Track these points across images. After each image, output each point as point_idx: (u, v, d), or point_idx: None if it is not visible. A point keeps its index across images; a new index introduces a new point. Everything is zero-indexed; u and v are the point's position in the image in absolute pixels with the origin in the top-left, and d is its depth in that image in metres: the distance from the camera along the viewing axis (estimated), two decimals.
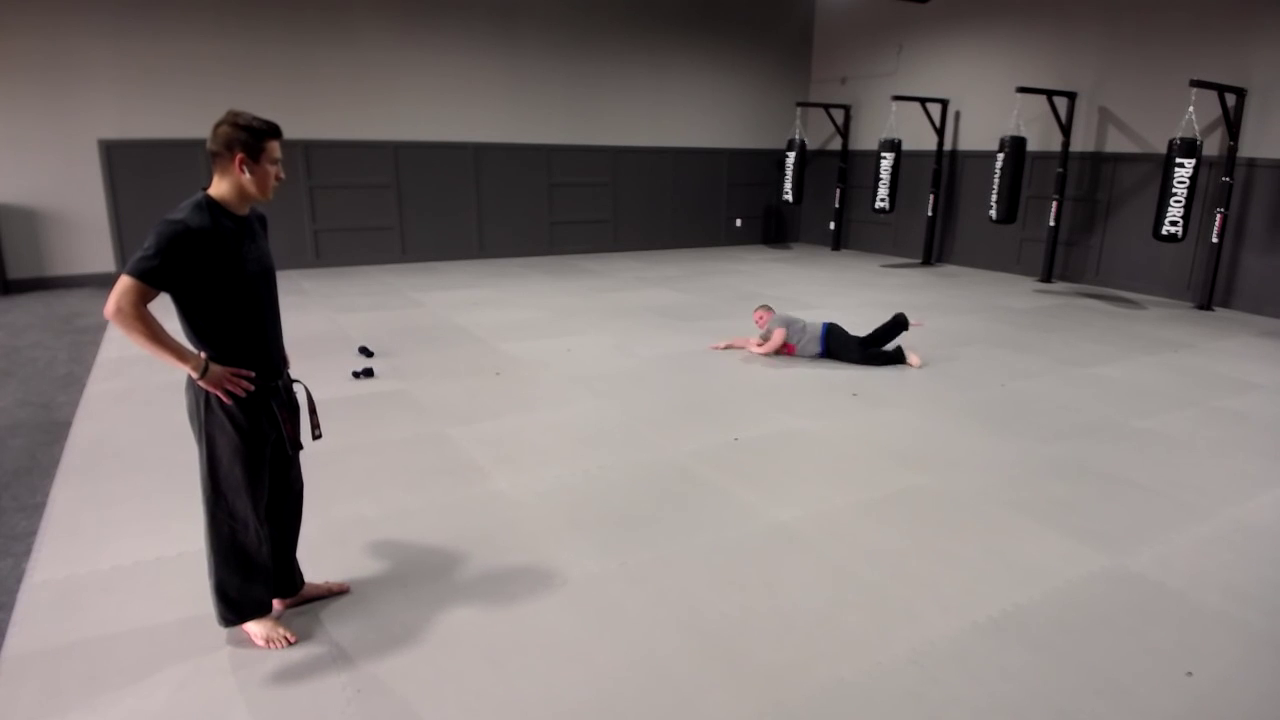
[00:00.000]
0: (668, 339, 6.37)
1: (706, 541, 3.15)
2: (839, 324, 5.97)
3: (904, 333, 5.91)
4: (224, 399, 2.18)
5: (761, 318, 6.02)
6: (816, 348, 5.82)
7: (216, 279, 2.12)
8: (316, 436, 2.56)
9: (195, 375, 2.13)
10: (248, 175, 2.16)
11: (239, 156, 2.13)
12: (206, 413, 2.21)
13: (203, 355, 2.15)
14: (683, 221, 12.32)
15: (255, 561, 2.37)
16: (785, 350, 5.87)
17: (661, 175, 11.92)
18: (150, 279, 2.01)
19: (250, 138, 2.13)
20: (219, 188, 2.17)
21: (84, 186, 8.40)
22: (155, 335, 2.04)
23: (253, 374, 2.21)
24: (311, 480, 3.60)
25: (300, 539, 2.67)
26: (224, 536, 2.32)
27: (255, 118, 2.16)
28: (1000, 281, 9.74)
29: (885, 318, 6.15)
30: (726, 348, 6.12)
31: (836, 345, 5.81)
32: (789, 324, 5.88)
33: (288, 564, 2.58)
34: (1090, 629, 2.58)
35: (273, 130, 2.16)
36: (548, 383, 5.23)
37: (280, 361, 2.38)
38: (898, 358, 5.80)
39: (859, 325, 6.92)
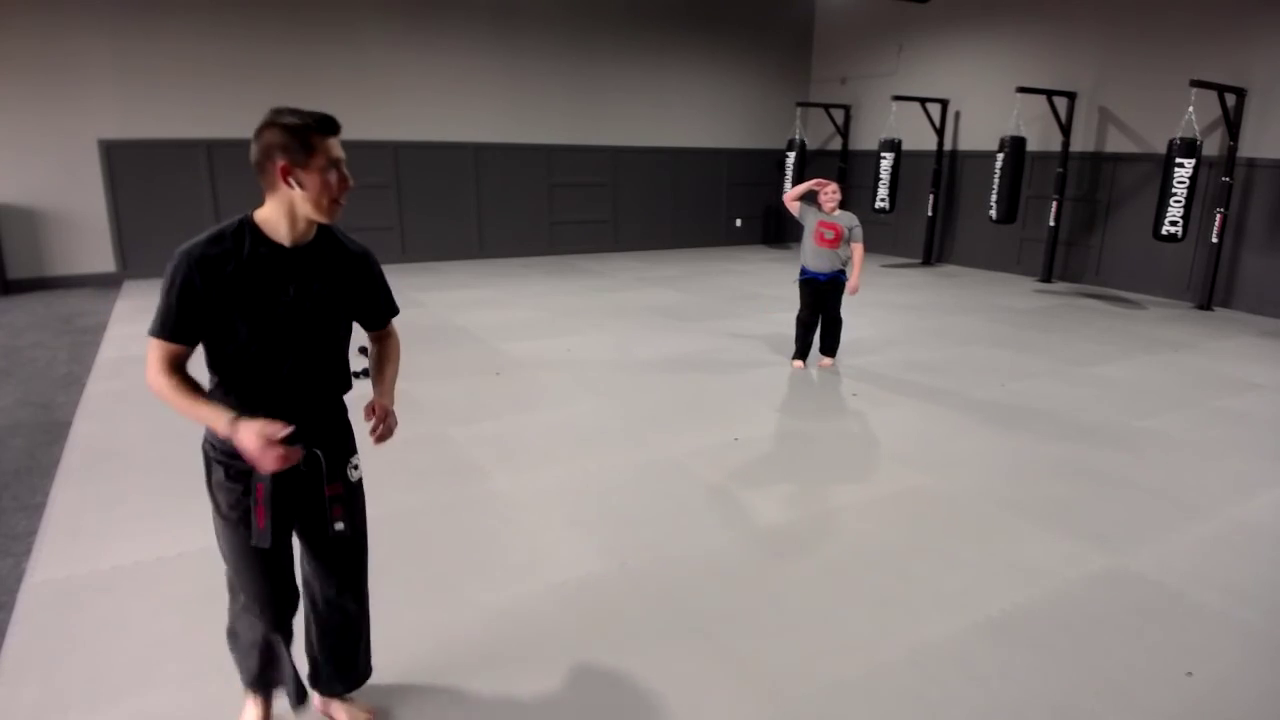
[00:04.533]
0: (668, 339, 6.37)
1: (706, 541, 3.15)
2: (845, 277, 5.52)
3: (829, 352, 5.70)
4: (258, 467, 1.64)
5: (836, 193, 5.36)
6: (833, 264, 5.39)
7: (232, 314, 1.66)
8: (336, 532, 1.89)
9: (221, 432, 1.62)
10: (296, 188, 1.65)
11: (281, 165, 1.63)
12: (205, 458, 1.81)
13: (231, 415, 1.62)
14: (683, 221, 12.31)
15: (242, 642, 2.01)
16: (830, 236, 5.33)
17: (661, 175, 11.91)
18: (165, 332, 1.64)
19: (292, 138, 1.63)
20: (265, 208, 1.70)
21: (84, 186, 8.40)
22: (186, 398, 1.63)
23: (290, 429, 1.63)
24: None
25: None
26: (231, 597, 1.99)
27: (301, 112, 1.67)
28: (1000, 281, 9.74)
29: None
30: (802, 194, 5.47)
31: (831, 288, 5.47)
32: (853, 228, 5.40)
33: (320, 662, 2.10)
34: (1090, 629, 2.58)
35: (323, 124, 1.66)
36: (548, 383, 5.23)
37: (300, 429, 1.72)
38: (821, 346, 5.64)
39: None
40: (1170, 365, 5.94)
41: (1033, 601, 2.74)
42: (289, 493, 1.80)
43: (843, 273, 5.47)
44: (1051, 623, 2.61)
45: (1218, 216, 8.00)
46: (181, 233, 7.54)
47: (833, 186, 5.37)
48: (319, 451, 1.82)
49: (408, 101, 9.80)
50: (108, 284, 8.51)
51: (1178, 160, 7.62)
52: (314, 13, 9.15)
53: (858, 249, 5.42)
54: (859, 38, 11.96)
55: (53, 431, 4.23)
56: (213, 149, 8.89)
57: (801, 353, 5.65)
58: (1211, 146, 8.08)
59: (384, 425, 1.95)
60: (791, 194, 5.45)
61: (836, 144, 12.35)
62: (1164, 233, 7.83)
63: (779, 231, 13.28)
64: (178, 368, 1.67)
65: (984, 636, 2.54)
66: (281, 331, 1.72)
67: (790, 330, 5.82)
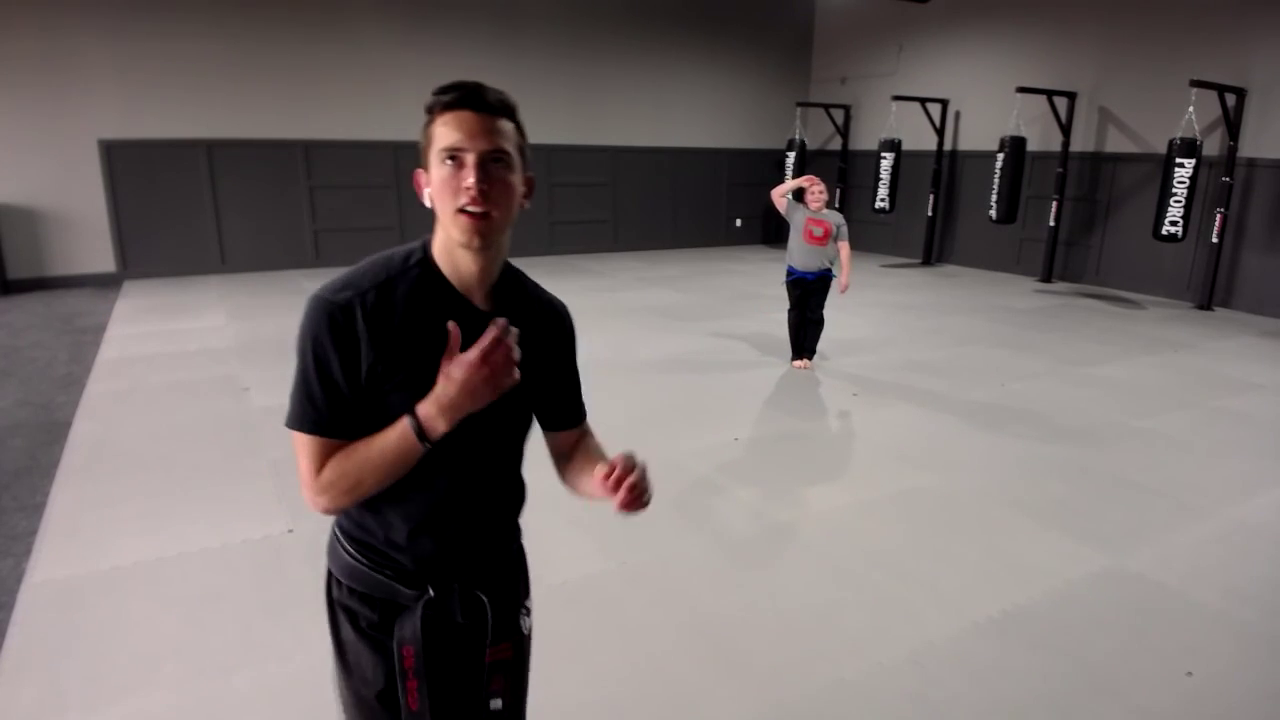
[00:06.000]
0: (668, 339, 6.37)
1: (706, 541, 3.15)
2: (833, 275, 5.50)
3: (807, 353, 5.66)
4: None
5: (823, 192, 5.32)
6: (820, 262, 5.38)
7: (382, 393, 1.13)
8: (492, 712, 1.32)
9: (415, 444, 1.11)
10: (430, 198, 1.16)
11: (419, 169, 1.19)
12: (327, 594, 1.29)
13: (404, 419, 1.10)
14: (683, 221, 12.31)
15: None
16: (819, 234, 5.29)
17: (661, 175, 11.91)
18: (310, 423, 1.12)
19: (426, 123, 1.17)
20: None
21: (84, 186, 8.40)
22: (358, 459, 1.12)
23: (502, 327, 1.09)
24: None
25: (302, 539, 2.65)
26: None
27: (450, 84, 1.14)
28: (1000, 281, 9.74)
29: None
30: (791, 190, 5.45)
31: (819, 286, 5.45)
32: (841, 226, 5.38)
33: None
34: (1090, 629, 2.58)
35: (444, 94, 1.14)
36: None
37: (451, 560, 1.24)
38: (800, 347, 5.61)
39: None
40: (1170, 365, 5.94)
41: (1033, 601, 2.74)
42: (446, 654, 1.25)
43: (829, 271, 5.46)
44: (1051, 623, 2.61)
45: (1218, 216, 8.00)
46: (181, 233, 7.47)
47: (820, 185, 5.37)
48: (484, 597, 1.27)
49: (408, 101, 9.75)
50: (108, 284, 8.50)
51: (1178, 160, 7.62)
52: (314, 13, 9.15)
53: (845, 248, 5.41)
54: (859, 38, 11.96)
55: (53, 431, 4.23)
56: (213, 149, 8.89)
57: (799, 352, 5.65)
58: (1211, 146, 8.08)
59: (631, 476, 1.13)
60: (779, 190, 5.45)
61: (836, 144, 12.35)
62: (1164, 233, 7.83)
63: (779, 231, 13.26)
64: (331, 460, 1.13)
65: (984, 636, 2.54)
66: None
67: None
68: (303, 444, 1.13)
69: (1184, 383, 5.48)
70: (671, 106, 11.74)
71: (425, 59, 9.81)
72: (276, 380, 5.02)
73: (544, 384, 1.30)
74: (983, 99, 10.25)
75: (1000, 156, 9.24)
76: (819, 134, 12.65)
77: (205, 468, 3.75)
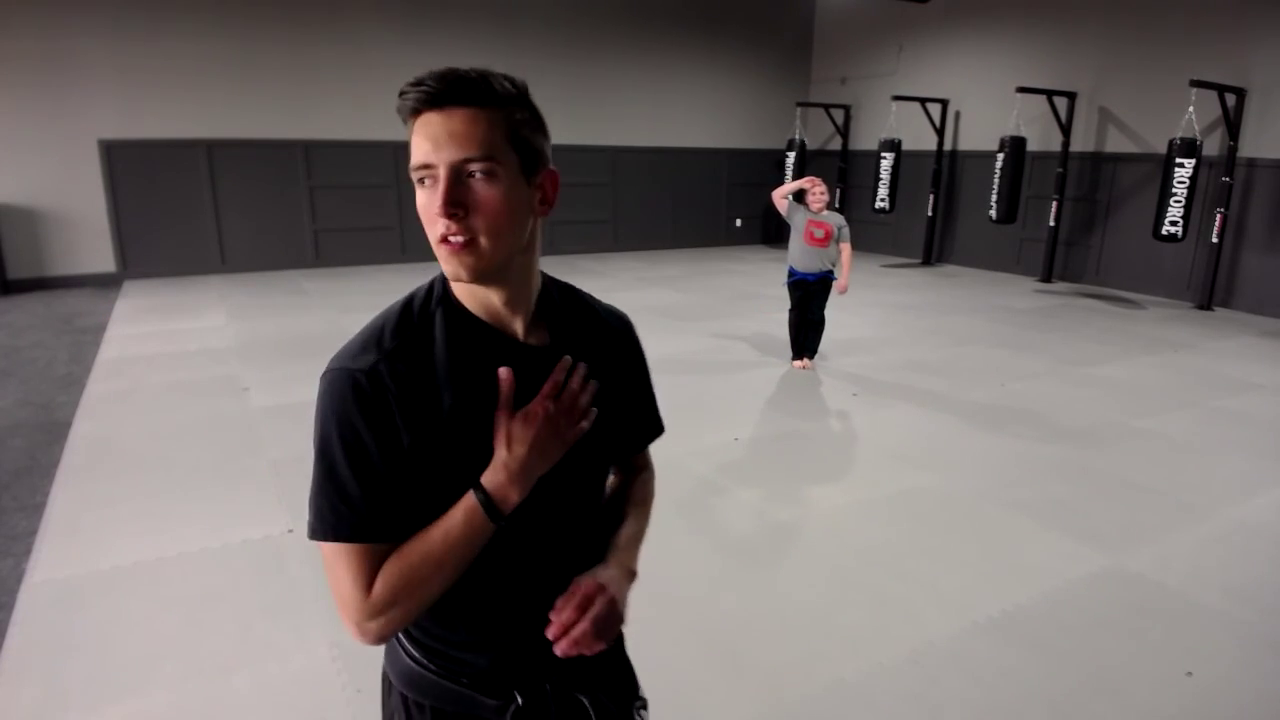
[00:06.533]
0: (668, 339, 6.37)
1: (707, 541, 3.15)
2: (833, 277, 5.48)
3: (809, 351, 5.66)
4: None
5: (824, 193, 5.30)
6: (821, 264, 5.37)
7: (438, 468, 0.91)
8: None
9: (481, 517, 0.90)
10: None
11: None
12: (384, 706, 1.08)
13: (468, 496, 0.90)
14: (683, 221, 12.31)
15: None
16: (820, 235, 5.28)
17: (661, 175, 11.91)
18: (348, 528, 0.88)
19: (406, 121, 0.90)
20: None
21: (84, 186, 8.40)
22: (419, 557, 0.89)
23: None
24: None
25: (302, 539, 2.64)
26: None
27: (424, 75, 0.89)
28: (1000, 281, 9.74)
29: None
30: (792, 192, 5.43)
31: (820, 288, 5.44)
32: (843, 228, 5.37)
33: None
34: (1090, 629, 2.58)
35: (407, 99, 0.89)
36: None
37: (539, 656, 0.98)
38: (801, 347, 5.61)
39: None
40: (1170, 365, 5.94)
41: (1033, 601, 2.74)
42: None
43: (831, 273, 5.46)
44: (1051, 623, 2.61)
45: (1218, 216, 8.00)
46: (181, 233, 7.47)
47: (822, 186, 5.35)
48: (585, 700, 1.06)
49: None
50: (108, 284, 8.50)
51: (1178, 160, 7.62)
52: (314, 13, 9.15)
53: (846, 249, 5.41)
54: (859, 38, 11.96)
55: (53, 431, 4.23)
56: (213, 149, 8.89)
57: (799, 352, 5.65)
58: (1211, 146, 8.08)
59: (586, 612, 0.93)
60: (780, 191, 5.44)
61: (836, 144, 12.35)
62: (1164, 233, 7.83)
63: (779, 231, 13.26)
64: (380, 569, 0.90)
65: (984, 636, 2.54)
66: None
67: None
68: (340, 558, 0.88)
69: (1184, 383, 5.48)
70: (671, 106, 11.74)
71: (425, 59, 9.74)
72: (276, 380, 5.03)
73: (618, 413, 1.07)
74: (983, 99, 10.24)
75: (1000, 156, 9.24)
76: (819, 134, 12.65)
77: (205, 468, 3.75)
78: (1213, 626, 2.62)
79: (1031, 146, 9.39)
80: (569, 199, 11.22)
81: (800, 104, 12.43)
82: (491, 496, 0.89)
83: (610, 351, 1.07)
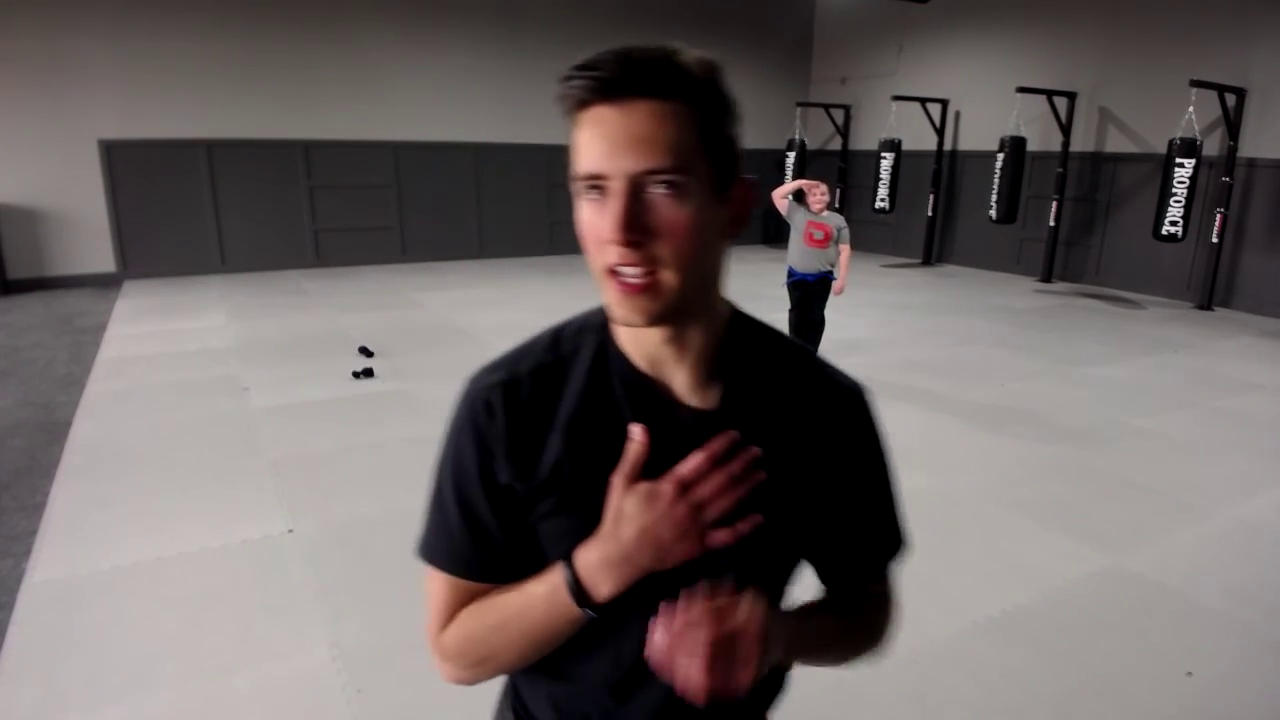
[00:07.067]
0: None
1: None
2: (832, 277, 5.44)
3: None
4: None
5: (825, 194, 5.26)
6: (820, 265, 5.33)
7: (550, 523, 0.80)
8: None
9: (572, 606, 0.75)
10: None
11: None
12: None
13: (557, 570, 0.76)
14: None
15: None
16: (819, 236, 5.26)
17: None
18: (442, 556, 0.85)
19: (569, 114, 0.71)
20: None
21: (84, 186, 8.40)
22: (503, 642, 0.81)
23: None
24: (312, 480, 3.62)
25: (302, 539, 2.65)
26: None
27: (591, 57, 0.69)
28: (1000, 281, 9.74)
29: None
30: (791, 192, 5.39)
31: (820, 289, 5.41)
32: (843, 229, 5.34)
33: None
34: (1090, 629, 2.58)
35: (573, 86, 0.69)
36: None
37: None
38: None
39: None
40: (1170, 365, 5.94)
41: (1033, 601, 2.74)
42: None
43: (830, 273, 5.45)
44: (1052, 623, 2.61)
45: (1218, 216, 8.00)
46: (181, 233, 7.48)
47: (822, 187, 5.33)
48: None
49: (408, 101, 9.80)
50: (108, 284, 8.50)
51: (1178, 160, 7.62)
52: (314, 13, 9.15)
53: (845, 250, 5.40)
54: (859, 38, 11.96)
55: (53, 431, 4.23)
56: (213, 149, 8.89)
57: None
58: (1211, 146, 8.08)
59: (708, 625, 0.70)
60: (780, 191, 5.43)
61: (836, 144, 12.35)
62: (1164, 233, 7.83)
63: (779, 231, 13.26)
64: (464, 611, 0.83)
65: (984, 636, 2.53)
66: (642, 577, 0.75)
67: (786, 331, 5.79)
68: (431, 580, 0.84)
69: (1184, 383, 5.48)
70: None
71: (425, 59, 9.82)
72: (276, 380, 5.03)
73: (812, 524, 0.83)
74: (983, 99, 10.24)
75: (1000, 156, 9.25)
76: (819, 134, 12.65)
77: (205, 468, 3.75)
78: (1213, 626, 2.62)
79: (1031, 146, 9.40)
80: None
81: (800, 104, 12.43)
82: (580, 577, 0.73)
83: (817, 435, 0.80)
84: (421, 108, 9.90)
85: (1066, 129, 9.23)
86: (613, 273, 0.70)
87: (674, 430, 0.75)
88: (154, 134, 8.59)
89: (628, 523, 0.71)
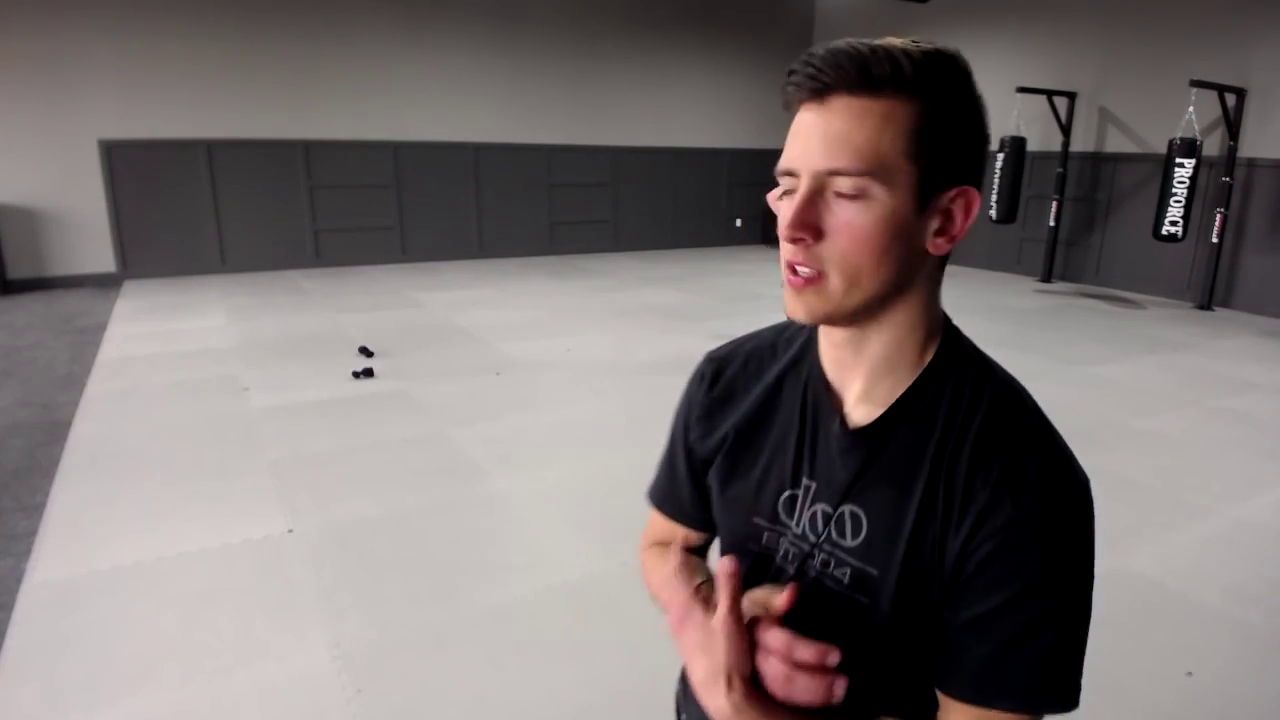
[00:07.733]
0: (668, 339, 6.36)
1: None
2: None
3: None
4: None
5: None
6: None
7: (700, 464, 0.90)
8: None
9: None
10: None
11: None
12: None
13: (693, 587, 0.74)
14: (683, 221, 12.31)
15: None
16: None
17: (661, 175, 11.91)
18: (651, 488, 0.99)
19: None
20: None
21: (84, 186, 8.40)
22: (655, 584, 0.93)
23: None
24: (312, 480, 3.62)
25: (302, 539, 2.65)
26: None
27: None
28: (1000, 281, 9.74)
29: None
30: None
31: None
32: None
33: None
34: (1090, 629, 2.58)
35: (796, 79, 0.70)
36: (548, 383, 5.22)
37: None
38: None
39: None
40: (1170, 365, 5.94)
41: None
42: None
43: None
44: None
45: (1218, 216, 8.00)
46: (181, 233, 7.48)
47: None
48: None
49: (408, 101, 9.80)
50: (108, 284, 8.50)
51: (1178, 160, 7.62)
52: (313, 12, 9.15)
53: None
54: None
55: (53, 431, 4.23)
56: (213, 149, 8.89)
57: None
58: (1211, 146, 8.08)
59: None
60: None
61: None
62: (1164, 233, 7.83)
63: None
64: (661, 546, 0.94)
65: None
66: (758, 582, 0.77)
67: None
68: (651, 511, 0.99)
69: (1184, 383, 5.48)
70: (671, 106, 11.74)
71: (425, 59, 9.82)
72: (276, 380, 5.03)
73: (922, 604, 0.72)
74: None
75: (1000, 156, 9.25)
76: None
77: (205, 468, 3.75)
78: (1213, 626, 2.62)
79: (1031, 146, 9.40)
80: (569, 199, 11.23)
81: None
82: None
83: (980, 505, 0.69)
84: (421, 108, 9.90)
85: (1066, 129, 9.23)
86: (788, 265, 0.71)
87: (824, 437, 0.76)
88: (154, 134, 8.59)
89: (685, 650, 0.70)
